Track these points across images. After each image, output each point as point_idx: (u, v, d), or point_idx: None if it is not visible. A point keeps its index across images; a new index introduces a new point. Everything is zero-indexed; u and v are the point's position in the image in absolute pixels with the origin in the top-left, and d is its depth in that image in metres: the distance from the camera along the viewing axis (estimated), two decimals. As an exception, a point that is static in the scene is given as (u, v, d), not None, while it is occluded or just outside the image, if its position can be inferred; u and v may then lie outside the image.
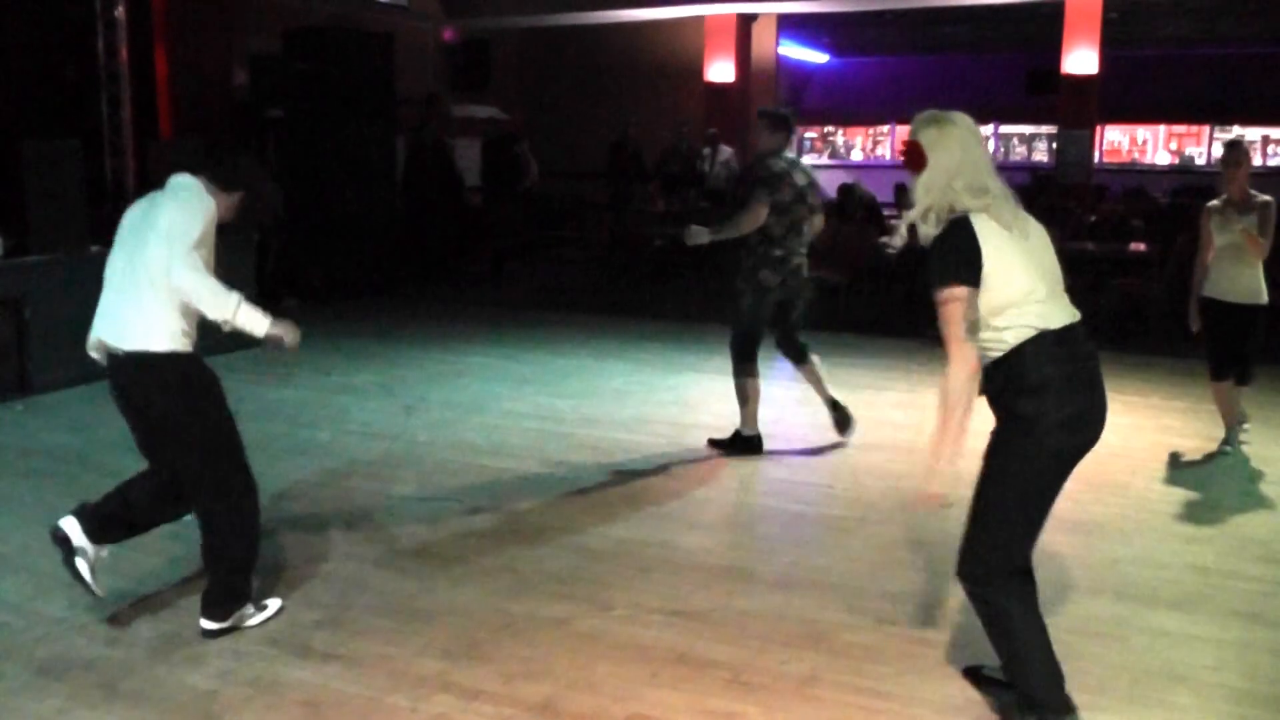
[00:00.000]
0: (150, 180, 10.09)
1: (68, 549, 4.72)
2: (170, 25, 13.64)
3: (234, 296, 4.54)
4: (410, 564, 5.57)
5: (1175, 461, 7.42)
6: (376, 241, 14.05)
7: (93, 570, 4.74)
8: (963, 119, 3.92)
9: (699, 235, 7.23)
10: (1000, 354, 3.86)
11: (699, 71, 18.73)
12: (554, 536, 5.97)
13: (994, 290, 3.80)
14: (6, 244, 8.75)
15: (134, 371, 4.61)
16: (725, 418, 8.12)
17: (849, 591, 5.27)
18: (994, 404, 3.99)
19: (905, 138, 3.97)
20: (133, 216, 4.76)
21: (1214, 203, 7.44)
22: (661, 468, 7.11)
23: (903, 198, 17.33)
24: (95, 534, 4.76)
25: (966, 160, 3.86)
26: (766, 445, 7.49)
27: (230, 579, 4.75)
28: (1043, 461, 3.94)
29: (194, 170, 4.76)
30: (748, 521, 6.35)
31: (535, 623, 4.89)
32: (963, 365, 3.84)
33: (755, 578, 5.47)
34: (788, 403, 9.15)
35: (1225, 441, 7.62)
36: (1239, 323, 7.32)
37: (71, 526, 4.73)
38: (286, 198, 13.07)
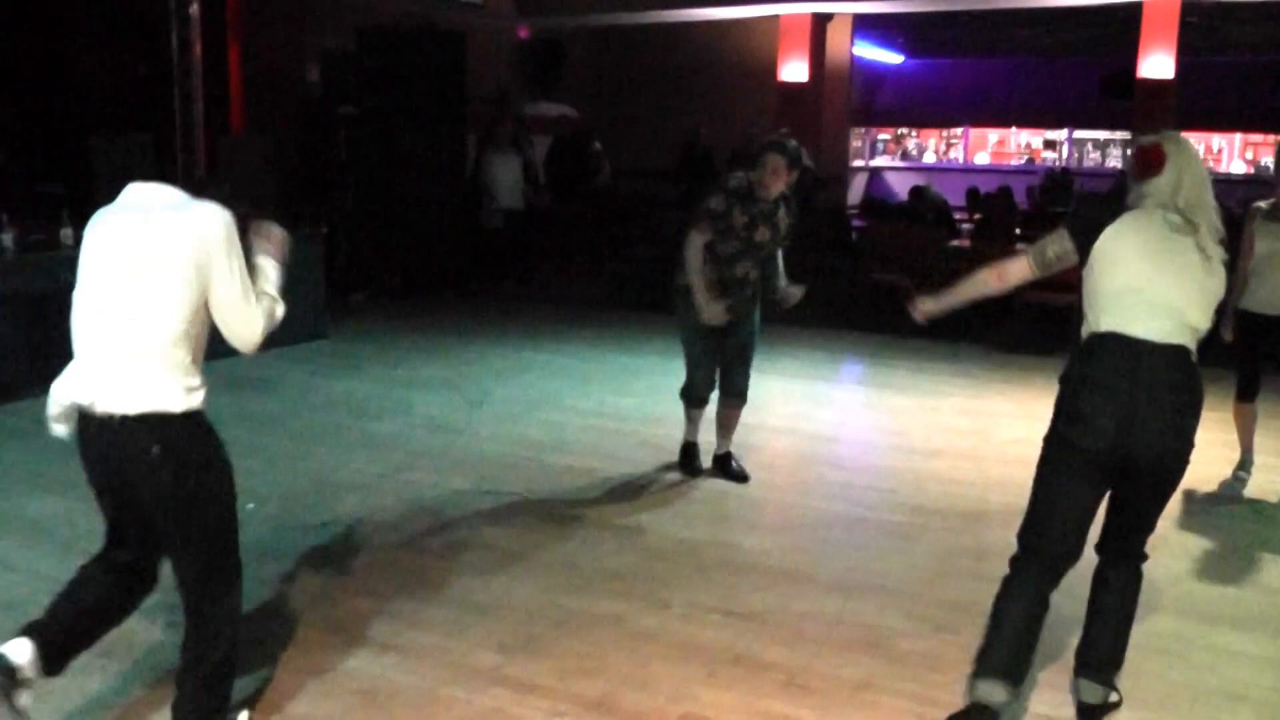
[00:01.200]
0: (220, 174, 10.25)
1: (11, 679, 3.58)
2: (243, 22, 13.77)
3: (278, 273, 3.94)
4: (469, 557, 5.60)
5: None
6: (445, 238, 14.13)
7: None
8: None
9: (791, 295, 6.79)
10: (1082, 338, 4.01)
11: (772, 71, 18.62)
12: (613, 534, 5.98)
13: (1096, 275, 3.92)
14: (77, 235, 8.89)
15: (132, 441, 3.56)
16: (789, 419, 8.12)
17: (908, 598, 5.24)
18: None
19: (1146, 143, 4.01)
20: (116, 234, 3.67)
21: (1261, 204, 6.86)
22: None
23: (974, 200, 17.13)
24: (51, 663, 3.73)
25: (1193, 176, 3.95)
26: (828, 449, 7.45)
27: (212, 684, 3.86)
28: (1055, 449, 4.07)
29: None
30: (808, 524, 6.32)
31: (592, 619, 4.91)
32: (1010, 272, 4.24)
33: (813, 581, 5.45)
34: (851, 406, 9.13)
35: (1240, 466, 7.08)
36: (1278, 339, 6.80)
37: (20, 651, 3.65)
38: (357, 194, 13.19)
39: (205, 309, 3.60)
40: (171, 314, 3.51)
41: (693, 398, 6.95)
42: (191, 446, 3.65)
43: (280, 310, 3.81)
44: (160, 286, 3.50)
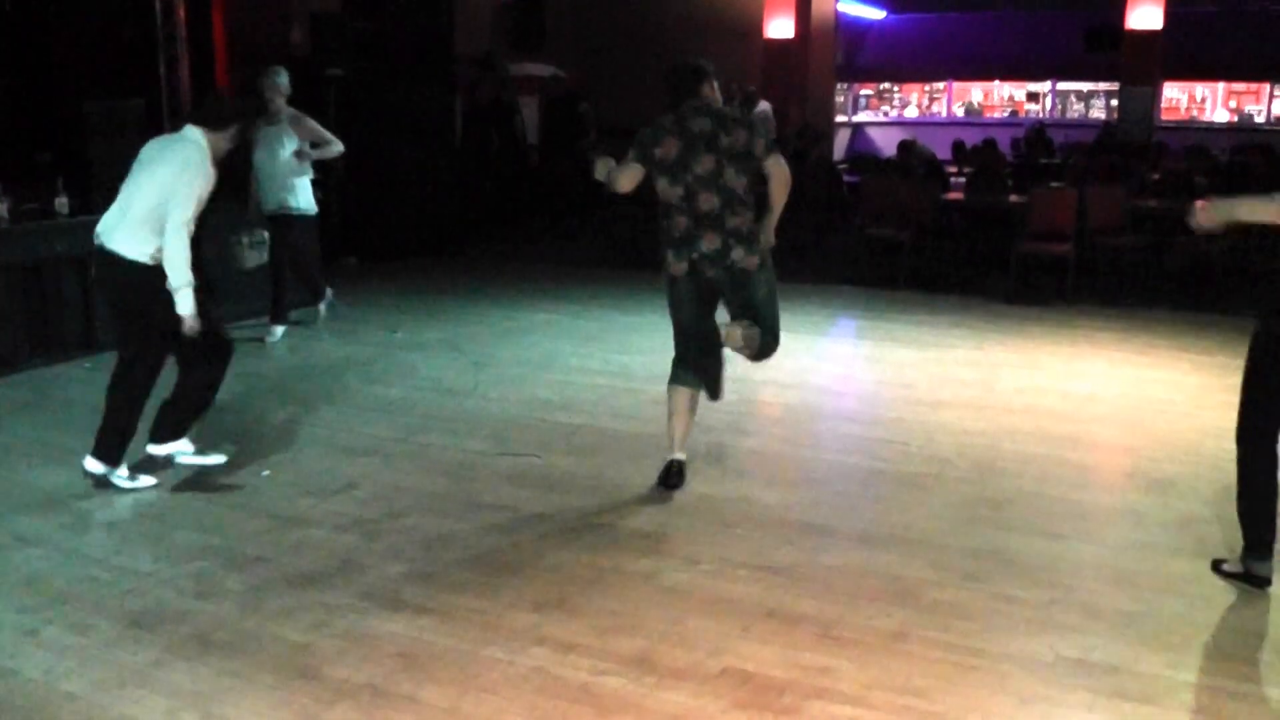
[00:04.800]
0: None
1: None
2: (227, -16, 13.63)
3: (189, 278, 5.66)
4: (493, 518, 5.60)
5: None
6: (436, 200, 14.07)
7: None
8: None
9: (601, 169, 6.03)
10: None
11: (758, 28, 18.59)
12: (634, 491, 5.99)
13: None
14: (71, 204, 8.80)
15: (106, 267, 5.79)
16: (795, 374, 8.13)
17: (932, 548, 5.26)
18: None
19: None
20: (150, 151, 5.89)
21: None
22: (734, 424, 7.10)
23: (960, 153, 17.15)
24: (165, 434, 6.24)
25: None
26: (837, 403, 7.44)
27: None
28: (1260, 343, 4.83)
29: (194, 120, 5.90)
30: (825, 478, 6.34)
31: (623, 577, 4.92)
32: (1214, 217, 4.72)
33: (837, 533, 5.47)
34: (855, 360, 9.16)
35: None
36: None
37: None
38: (346, 157, 13.10)
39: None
40: None
41: (676, 372, 6.02)
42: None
43: (177, 263, 5.67)
44: None
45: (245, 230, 8.91)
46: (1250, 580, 4.85)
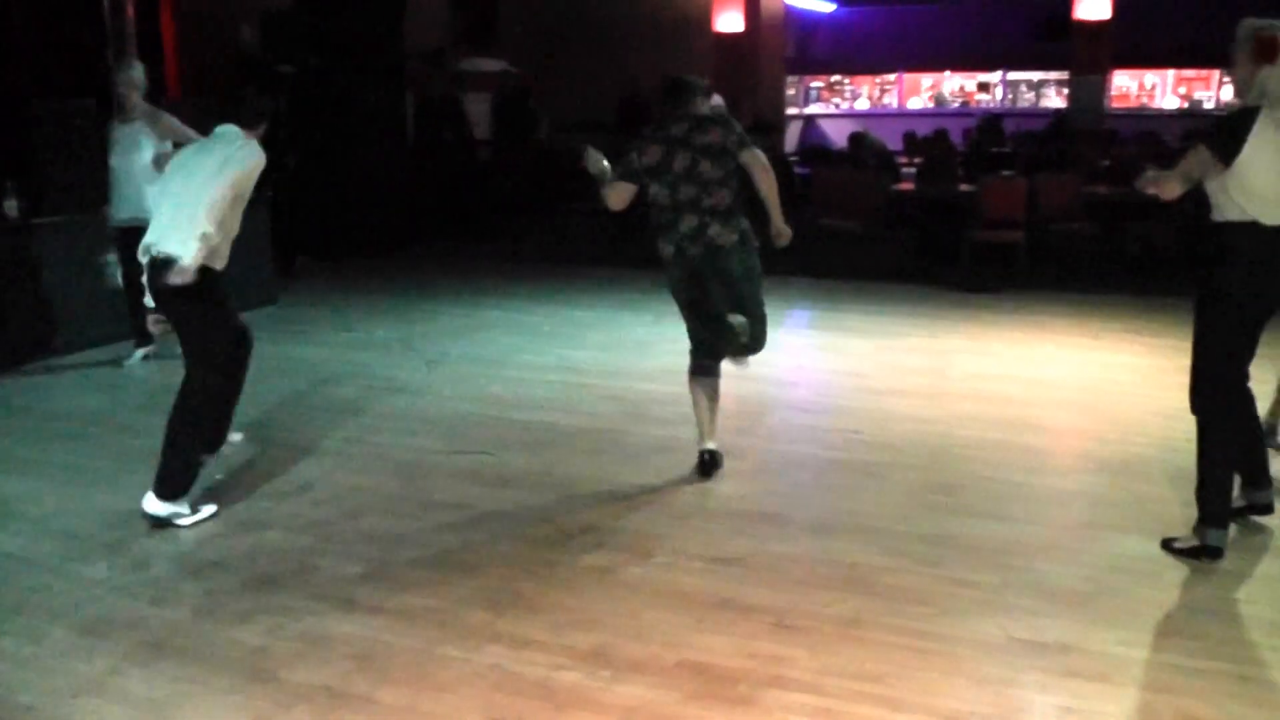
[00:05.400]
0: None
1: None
2: (176, -18, 13.54)
3: (208, 229, 5.34)
4: (447, 517, 5.60)
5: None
6: (386, 198, 14.02)
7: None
8: None
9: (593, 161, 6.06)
10: (1219, 220, 4.88)
11: (708, 21, 18.60)
12: (588, 487, 6.00)
13: (1239, 175, 4.72)
14: (21, 206, 8.69)
15: (160, 270, 5.43)
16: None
17: (885, 535, 5.30)
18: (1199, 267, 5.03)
19: (1261, 32, 4.78)
20: (185, 154, 5.79)
21: None
22: (686, 417, 7.05)
23: (911, 144, 17.22)
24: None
25: None
26: (791, 393, 7.49)
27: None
28: (1219, 309, 4.97)
29: (228, 119, 5.68)
30: (778, 468, 6.38)
31: (578, 572, 4.93)
32: (1170, 187, 4.94)
33: (791, 523, 5.50)
34: (807, 350, 9.19)
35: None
36: None
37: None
38: (299, 155, 13.02)
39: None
40: None
41: (693, 363, 6.20)
42: None
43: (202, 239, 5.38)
44: None
45: (114, 246, 8.40)
46: (1206, 553, 4.97)
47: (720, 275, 5.91)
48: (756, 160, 5.87)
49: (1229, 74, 5.11)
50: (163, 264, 5.42)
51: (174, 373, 8.10)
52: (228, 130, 5.65)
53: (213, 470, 6.12)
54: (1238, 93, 4.96)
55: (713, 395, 6.20)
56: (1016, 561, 4.99)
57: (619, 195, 6.05)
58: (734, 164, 5.87)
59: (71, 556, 5.20)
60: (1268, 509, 5.30)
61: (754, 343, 6.07)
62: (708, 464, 6.16)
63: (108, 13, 11.21)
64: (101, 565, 5.07)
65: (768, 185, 5.91)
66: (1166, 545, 5.11)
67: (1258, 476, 5.31)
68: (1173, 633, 4.39)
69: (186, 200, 5.43)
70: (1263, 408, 5.71)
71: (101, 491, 5.99)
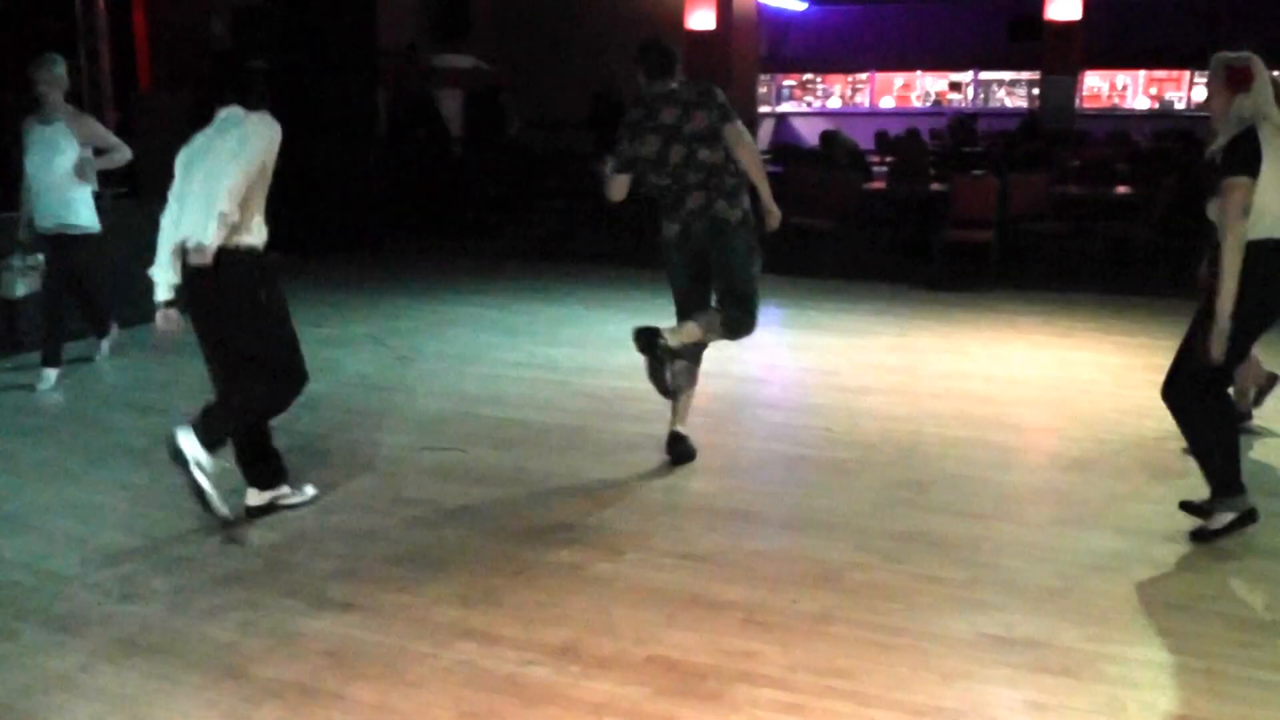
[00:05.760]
0: (133, 133, 10.01)
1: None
2: (148, -25, 13.46)
3: (215, 242, 5.16)
4: (418, 513, 5.60)
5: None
6: (359, 194, 13.98)
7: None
8: None
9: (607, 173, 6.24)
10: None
11: (680, 19, 18.61)
12: (559, 483, 6.01)
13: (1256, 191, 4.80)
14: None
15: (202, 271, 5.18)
16: (720, 362, 8.14)
17: (855, 531, 5.33)
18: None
19: (1231, 63, 4.96)
20: (196, 147, 5.44)
21: None
22: (659, 414, 7.08)
23: (883, 143, 17.28)
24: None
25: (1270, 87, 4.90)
26: (762, 391, 7.52)
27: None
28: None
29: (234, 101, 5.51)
30: (750, 465, 6.40)
31: (548, 568, 4.94)
32: (1238, 241, 4.80)
33: (761, 520, 5.53)
34: (779, 348, 9.22)
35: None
36: None
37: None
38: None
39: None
40: None
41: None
42: None
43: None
44: None
45: (18, 252, 8.09)
46: (1243, 521, 5.18)
47: (722, 253, 6.01)
48: (737, 135, 5.89)
49: (1206, 108, 5.22)
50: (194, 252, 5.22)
51: (142, 370, 8.21)
52: (234, 113, 5.47)
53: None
54: (1215, 123, 5.03)
55: (689, 381, 6.30)
56: (985, 558, 5.02)
57: (619, 186, 6.17)
58: (724, 144, 5.90)
59: (42, 553, 5.17)
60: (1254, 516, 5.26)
61: (736, 325, 6.14)
62: (673, 445, 6.33)
63: (80, 7, 11.14)
64: (73, 561, 5.05)
65: (748, 159, 5.96)
66: (1199, 536, 5.20)
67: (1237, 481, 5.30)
68: (1140, 628, 4.43)
69: (210, 187, 5.23)
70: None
71: (71, 487, 5.97)
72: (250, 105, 5.51)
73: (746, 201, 6.03)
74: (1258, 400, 6.83)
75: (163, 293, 5.32)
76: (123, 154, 7.96)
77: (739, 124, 5.93)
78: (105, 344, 8.55)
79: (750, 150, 5.95)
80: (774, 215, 6.13)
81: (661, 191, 6.09)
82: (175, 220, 5.32)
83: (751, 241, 6.07)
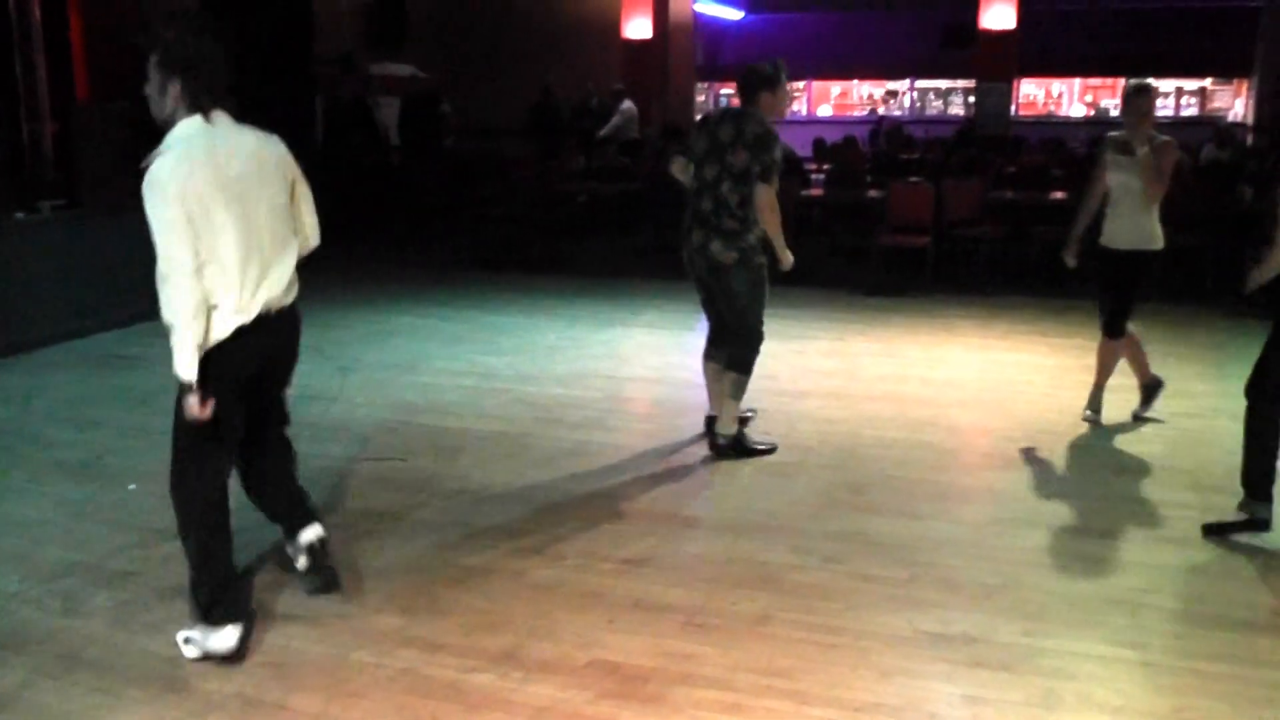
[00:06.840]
0: (74, 144, 9.90)
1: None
2: (83, -18, 13.33)
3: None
4: (360, 523, 5.58)
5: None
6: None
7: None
8: None
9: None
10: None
11: (617, 28, 18.67)
12: (501, 491, 6.02)
13: None
14: None
15: (290, 325, 4.44)
16: (660, 369, 8.25)
17: (793, 533, 5.39)
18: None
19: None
20: (228, 178, 4.34)
21: (1114, 134, 7.06)
22: (599, 421, 7.18)
23: (820, 150, 17.38)
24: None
25: None
26: (701, 396, 7.51)
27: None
28: None
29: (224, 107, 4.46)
30: (689, 470, 6.42)
31: (490, 575, 4.95)
32: None
33: (701, 523, 5.58)
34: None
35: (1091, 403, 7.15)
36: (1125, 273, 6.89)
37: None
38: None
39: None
40: None
41: (705, 347, 6.85)
42: None
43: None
44: None
45: None
46: (1253, 525, 5.33)
47: (720, 293, 6.43)
48: (765, 197, 6.21)
49: None
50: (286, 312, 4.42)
51: (86, 384, 8.11)
52: (244, 129, 4.58)
53: (124, 480, 6.08)
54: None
55: (716, 376, 6.66)
56: (923, 557, 5.09)
57: (679, 166, 6.56)
58: (750, 190, 6.22)
59: (-21, 569, 5.12)
60: (1265, 525, 5.37)
61: (740, 362, 6.51)
62: (709, 430, 6.79)
63: (14, 14, 11.02)
64: (12, 577, 4.99)
65: (767, 219, 6.28)
66: (1212, 530, 5.35)
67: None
68: (1077, 623, 4.50)
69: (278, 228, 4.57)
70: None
71: (12, 503, 5.90)
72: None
73: (751, 239, 6.30)
74: None
75: None
76: None
77: (773, 188, 6.24)
78: None
79: (770, 214, 6.27)
80: (785, 263, 6.49)
81: (689, 198, 6.44)
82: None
83: (754, 276, 6.36)
